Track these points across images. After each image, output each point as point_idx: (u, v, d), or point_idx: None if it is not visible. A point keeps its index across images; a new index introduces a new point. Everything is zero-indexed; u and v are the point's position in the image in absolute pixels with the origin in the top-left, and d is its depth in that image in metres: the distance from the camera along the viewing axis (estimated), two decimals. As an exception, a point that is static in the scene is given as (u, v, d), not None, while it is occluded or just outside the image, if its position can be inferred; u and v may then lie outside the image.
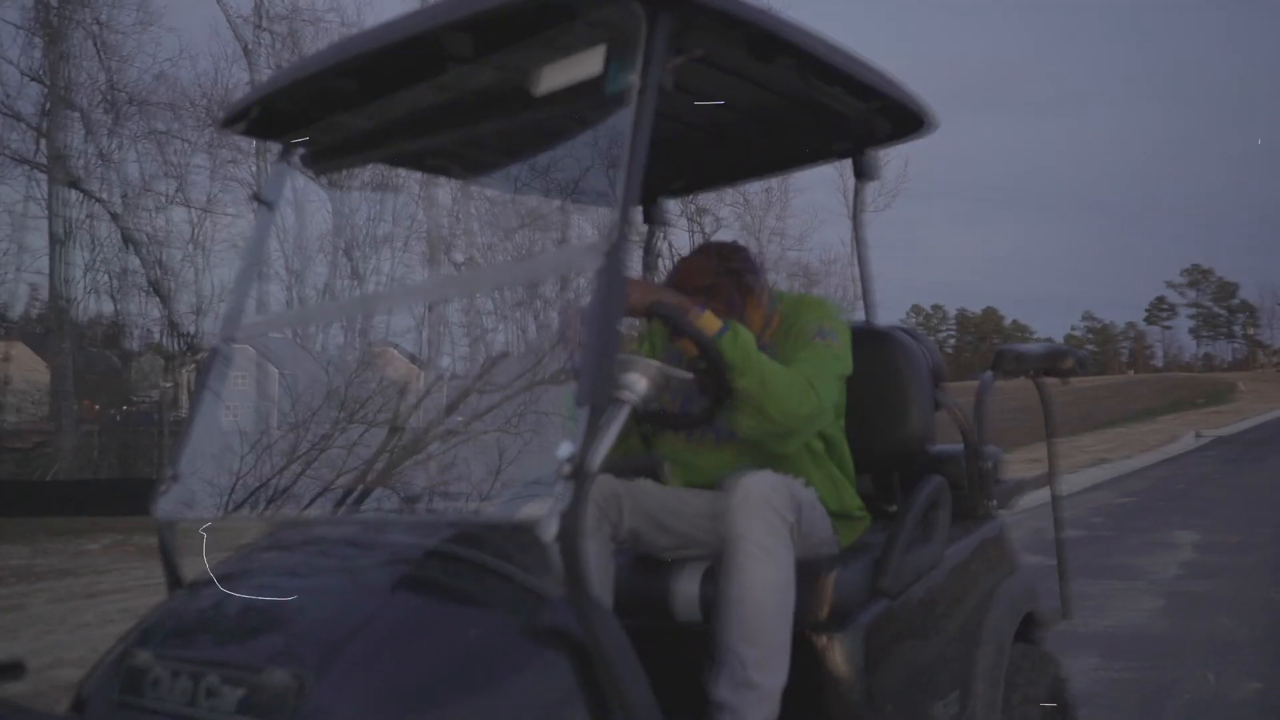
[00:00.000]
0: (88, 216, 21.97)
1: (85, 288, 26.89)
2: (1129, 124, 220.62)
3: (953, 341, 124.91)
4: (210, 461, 2.31)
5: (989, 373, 3.01)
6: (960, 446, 2.87)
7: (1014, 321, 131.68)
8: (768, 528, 2.08)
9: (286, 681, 1.45)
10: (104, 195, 22.15)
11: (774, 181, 30.25)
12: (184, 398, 22.99)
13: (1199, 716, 4.03)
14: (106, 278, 25.03)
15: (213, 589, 1.85)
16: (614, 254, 1.61)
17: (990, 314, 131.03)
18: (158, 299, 22.33)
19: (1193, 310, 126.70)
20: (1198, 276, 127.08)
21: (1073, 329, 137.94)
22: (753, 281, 2.53)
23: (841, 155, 2.80)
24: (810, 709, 2.12)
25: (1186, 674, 4.59)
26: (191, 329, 22.68)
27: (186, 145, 23.64)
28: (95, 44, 20.77)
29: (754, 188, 29.80)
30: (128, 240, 23.55)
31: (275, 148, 2.41)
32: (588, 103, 1.89)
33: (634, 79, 1.66)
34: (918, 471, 2.63)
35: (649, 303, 2.17)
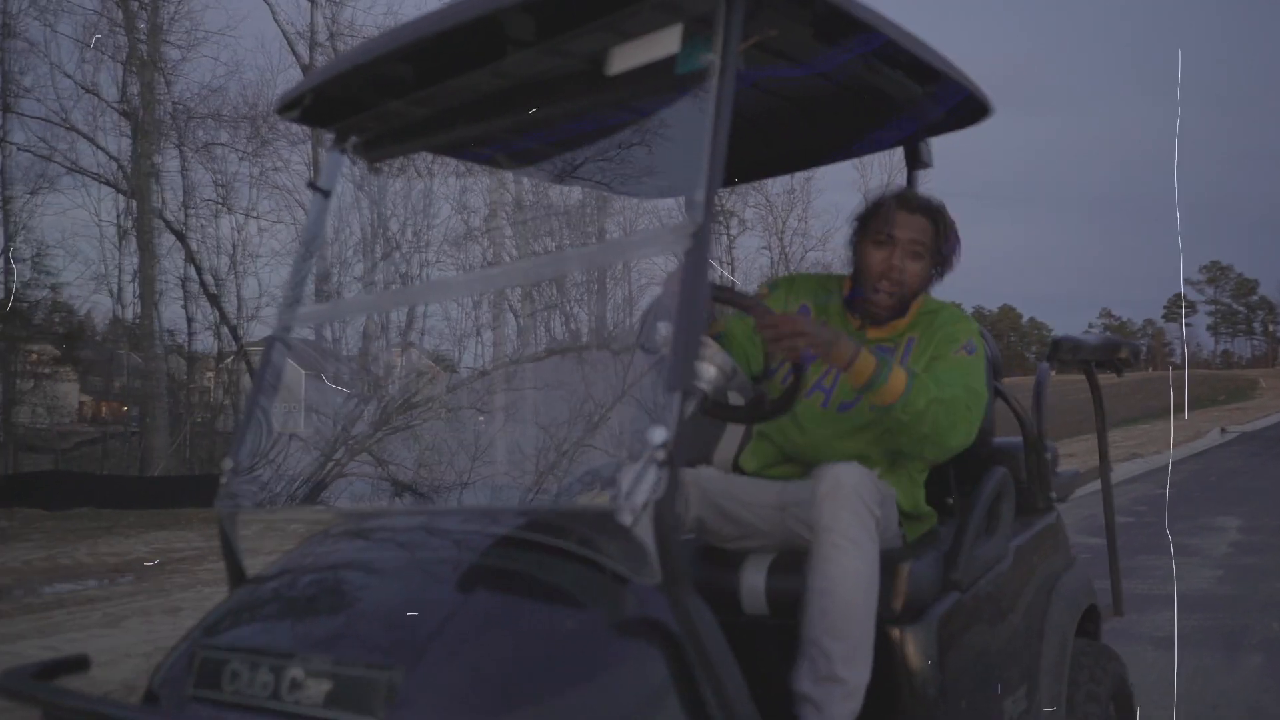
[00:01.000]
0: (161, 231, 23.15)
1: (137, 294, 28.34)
2: (1145, 120, 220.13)
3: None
4: (272, 454, 2.23)
5: (1045, 364, 3.03)
6: (1017, 440, 2.85)
7: (1031, 319, 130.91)
8: (856, 520, 2.02)
9: (377, 675, 1.41)
10: (162, 206, 23.37)
11: (796, 182, 31.10)
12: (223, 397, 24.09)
13: (1272, 649, 4.99)
14: (171, 285, 26.36)
15: (284, 580, 1.83)
16: (700, 235, 1.56)
17: (1007, 312, 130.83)
18: (214, 306, 23.36)
19: (1211, 307, 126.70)
20: (1216, 273, 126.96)
21: (1090, 326, 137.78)
22: (946, 266, 2.51)
23: (892, 144, 2.78)
24: (885, 703, 2.07)
25: (1254, 622, 5.57)
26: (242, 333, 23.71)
27: (240, 155, 24.87)
28: (160, 65, 21.95)
29: (776, 188, 30.58)
30: (189, 251, 24.83)
31: (329, 136, 2.32)
32: (661, 84, 1.84)
33: (713, 58, 1.62)
34: (977, 464, 2.58)
35: (840, 356, 2.10)
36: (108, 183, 22.56)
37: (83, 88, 22.92)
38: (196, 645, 1.68)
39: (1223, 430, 27.61)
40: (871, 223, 2.44)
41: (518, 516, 1.84)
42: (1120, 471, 17.03)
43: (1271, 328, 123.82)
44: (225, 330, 24.17)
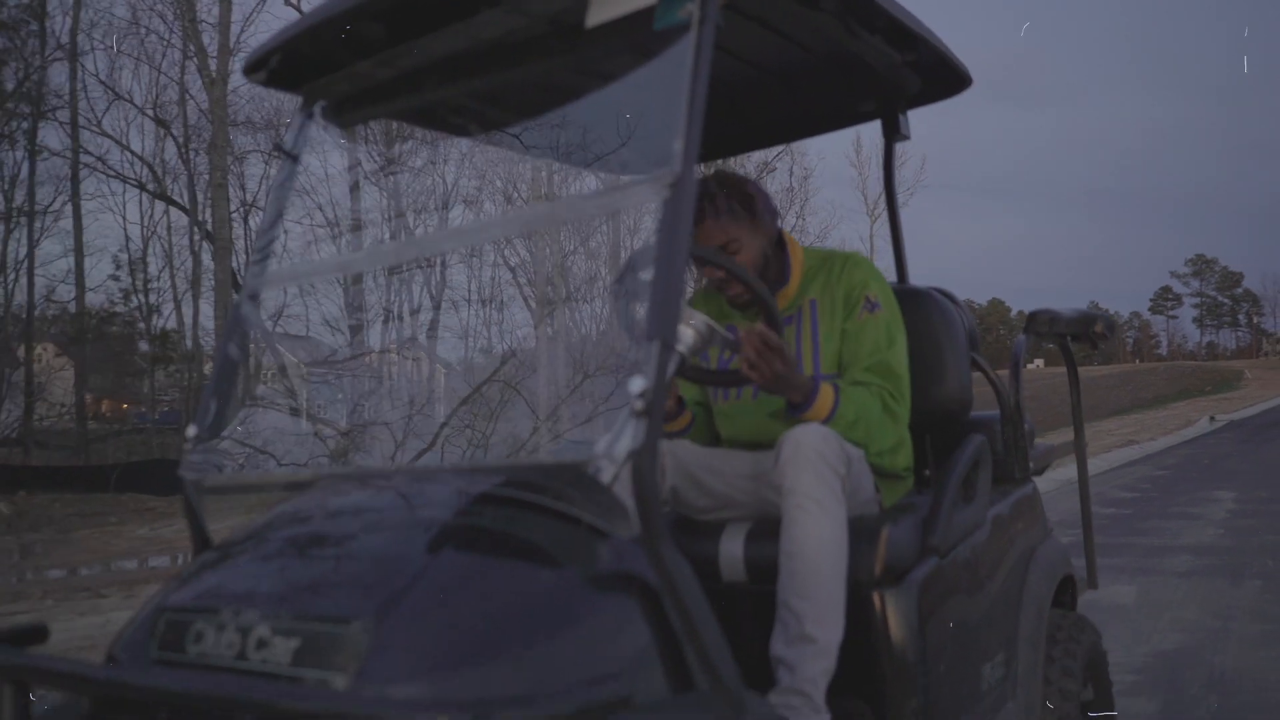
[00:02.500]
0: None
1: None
2: (1133, 113, 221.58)
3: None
4: (237, 420, 2.19)
5: (1023, 336, 3.00)
6: (994, 413, 2.85)
7: (1020, 312, 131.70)
8: (819, 480, 2.02)
9: (346, 630, 1.37)
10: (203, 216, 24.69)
11: (795, 181, 32.30)
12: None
13: (1267, 577, 6.44)
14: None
15: (251, 543, 1.79)
16: (680, 185, 1.51)
17: (996, 305, 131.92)
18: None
19: (1197, 300, 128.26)
20: (1202, 266, 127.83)
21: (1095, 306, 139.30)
22: (769, 221, 2.46)
23: (870, 117, 2.80)
24: (866, 667, 2.08)
25: (1252, 561, 6.99)
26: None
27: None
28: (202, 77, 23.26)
29: (773, 185, 31.79)
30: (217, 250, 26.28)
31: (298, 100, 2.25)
32: (638, 41, 1.79)
33: (692, 9, 1.59)
34: (955, 436, 2.58)
35: (771, 377, 2.11)
36: (156, 196, 24.00)
37: (137, 108, 24.32)
38: (159, 609, 1.64)
39: (1212, 419, 28.50)
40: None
41: (493, 473, 1.81)
42: (1119, 456, 18.36)
43: (1256, 320, 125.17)
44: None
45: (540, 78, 2.29)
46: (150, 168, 27.84)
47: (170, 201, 28.35)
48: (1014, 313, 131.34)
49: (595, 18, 1.75)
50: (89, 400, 39.81)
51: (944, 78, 2.55)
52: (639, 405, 1.39)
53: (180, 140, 26.02)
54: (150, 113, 27.16)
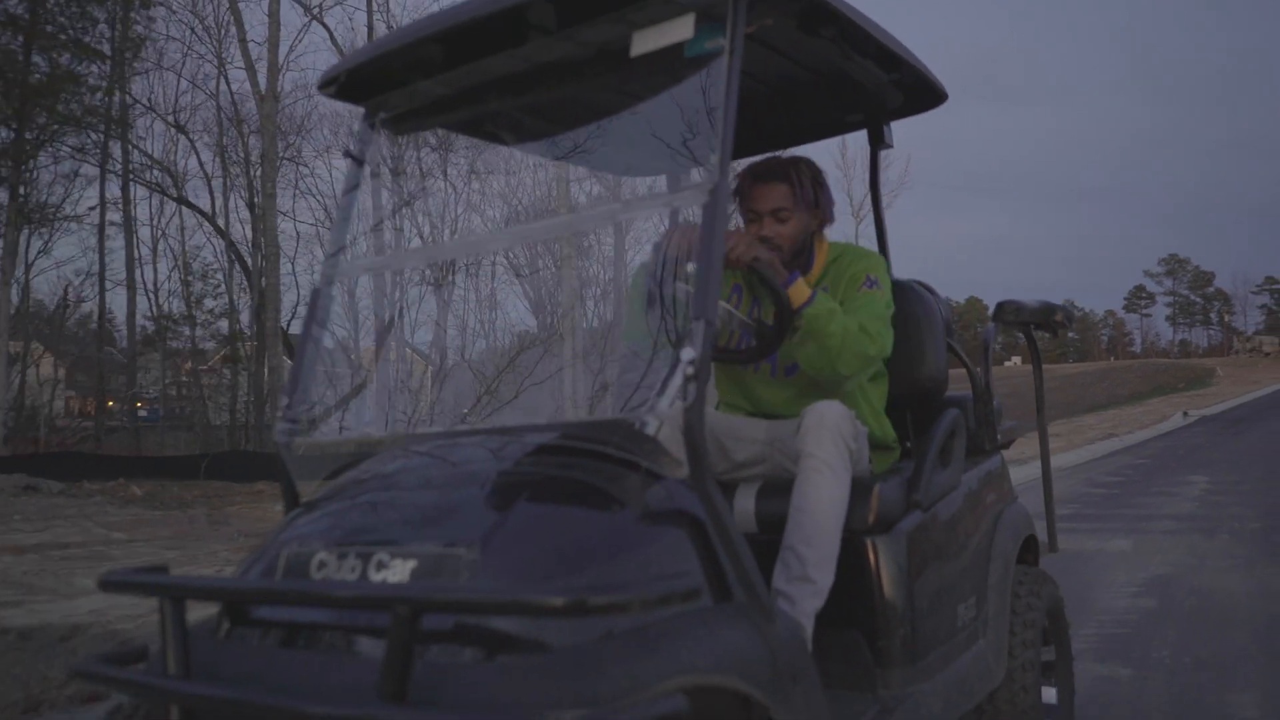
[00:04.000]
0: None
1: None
2: (1107, 114, 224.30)
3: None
4: (320, 390, 2.39)
5: (992, 324, 3.31)
6: (967, 393, 3.10)
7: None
8: (835, 449, 2.29)
9: (456, 553, 1.61)
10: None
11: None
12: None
13: (1234, 534, 8.18)
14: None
15: (348, 492, 2.02)
16: (717, 192, 1.81)
17: (974, 303, 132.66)
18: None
19: (1170, 298, 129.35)
20: (1174, 266, 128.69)
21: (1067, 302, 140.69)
22: (824, 213, 2.72)
23: (856, 127, 3.02)
24: (862, 604, 2.36)
25: (1222, 525, 8.72)
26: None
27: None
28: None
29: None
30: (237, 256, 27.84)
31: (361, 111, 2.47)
32: (670, 66, 2.04)
33: (722, 42, 1.87)
34: (932, 412, 2.85)
35: (750, 258, 2.37)
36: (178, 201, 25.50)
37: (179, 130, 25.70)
38: (277, 547, 1.84)
39: (1185, 414, 29.65)
40: (741, 202, 2.69)
41: (555, 430, 2.04)
42: (1101, 448, 19.79)
43: (1227, 318, 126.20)
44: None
45: (584, 95, 2.56)
46: (169, 172, 29.17)
47: (198, 210, 29.75)
48: (990, 310, 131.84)
49: (638, 49, 2.01)
50: (73, 399, 41.19)
51: (923, 94, 2.80)
52: (690, 371, 1.69)
53: (216, 150, 27.49)
54: (170, 119, 28.53)
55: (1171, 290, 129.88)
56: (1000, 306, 3.26)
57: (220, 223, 30.28)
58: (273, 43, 23.28)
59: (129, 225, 28.63)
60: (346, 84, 2.38)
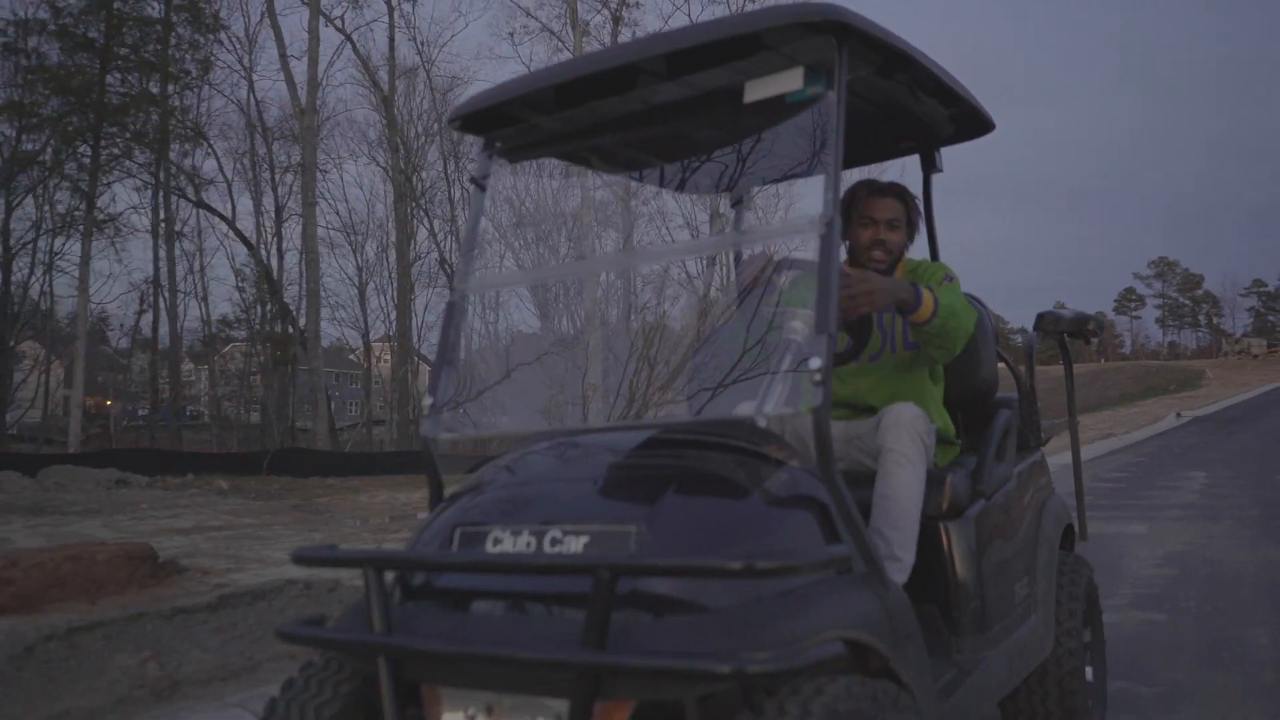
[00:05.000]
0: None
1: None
2: (1097, 116, 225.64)
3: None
4: (461, 390, 2.64)
5: (1033, 333, 3.58)
6: (1013, 395, 3.37)
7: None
8: (912, 444, 2.57)
9: (623, 529, 1.89)
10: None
11: (780, 186, 35.29)
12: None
13: (1235, 520, 9.34)
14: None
15: (504, 478, 2.29)
16: (832, 223, 2.08)
17: None
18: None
19: (1159, 301, 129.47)
20: (1164, 268, 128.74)
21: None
22: (914, 232, 3.06)
23: (909, 152, 3.31)
24: (936, 579, 2.63)
25: (1224, 512, 9.88)
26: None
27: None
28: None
29: (761, 194, 34.63)
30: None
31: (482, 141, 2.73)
32: (775, 110, 2.33)
33: (822, 90, 2.17)
34: (983, 413, 3.16)
35: (897, 300, 2.61)
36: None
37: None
38: (449, 526, 2.11)
39: (1178, 415, 30.54)
40: (852, 210, 2.98)
41: (689, 428, 2.33)
42: (1101, 446, 20.83)
43: (1215, 320, 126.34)
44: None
45: (689, 130, 2.79)
46: (190, 177, 30.18)
47: (220, 215, 30.73)
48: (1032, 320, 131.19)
49: (751, 96, 2.26)
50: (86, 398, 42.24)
51: (974, 123, 3.05)
52: (817, 377, 1.93)
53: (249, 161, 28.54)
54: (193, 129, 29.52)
55: (1161, 292, 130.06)
56: (1040, 317, 3.55)
57: (243, 227, 31.34)
58: (312, 58, 24.36)
59: (170, 233, 29.59)
60: (471, 119, 2.62)
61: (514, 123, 2.64)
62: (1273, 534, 8.39)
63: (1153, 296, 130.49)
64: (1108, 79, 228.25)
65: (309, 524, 10.46)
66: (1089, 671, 3.36)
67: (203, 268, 34.32)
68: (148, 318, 34.28)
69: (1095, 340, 3.89)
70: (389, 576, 2.05)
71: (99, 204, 25.25)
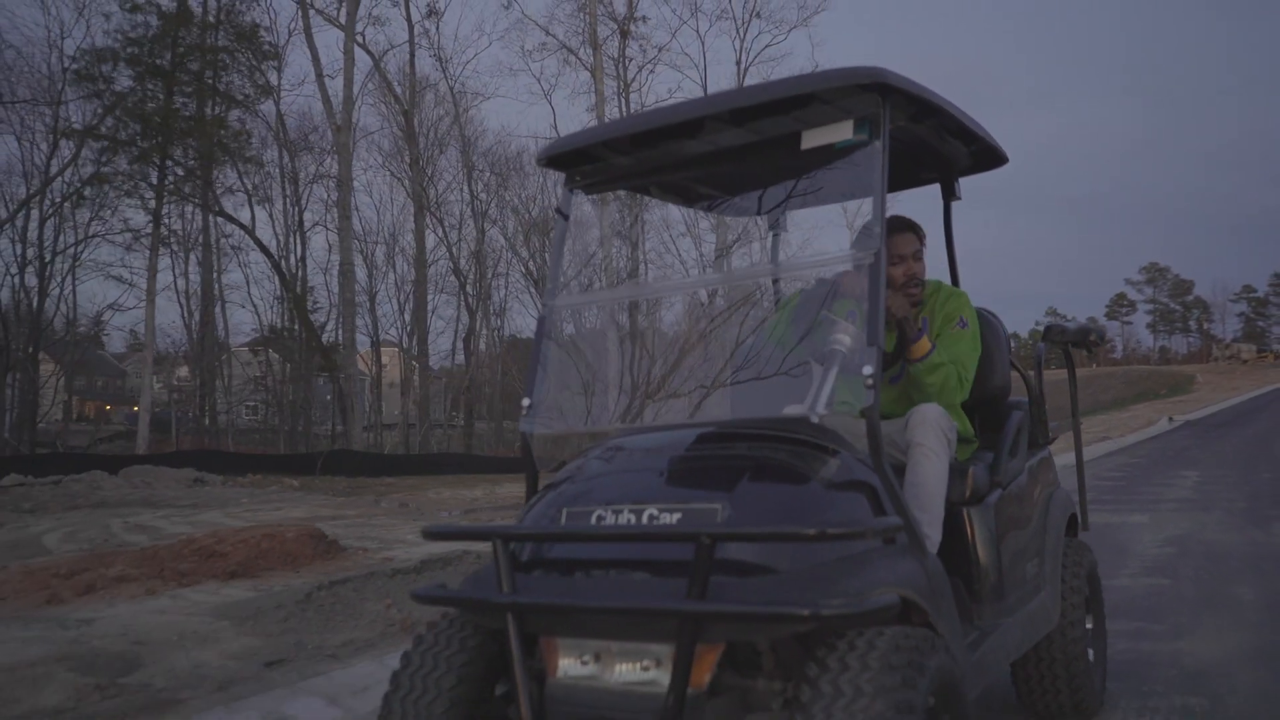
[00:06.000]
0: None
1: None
2: (1089, 124, 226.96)
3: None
4: (555, 390, 2.99)
5: (1042, 344, 4.00)
6: (1023, 399, 3.71)
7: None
8: (938, 439, 2.91)
9: (711, 506, 2.24)
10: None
11: (805, 215, 36.52)
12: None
13: (1229, 511, 10.58)
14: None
15: (597, 468, 2.62)
16: (879, 251, 2.44)
17: None
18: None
19: (1150, 306, 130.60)
20: (1155, 274, 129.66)
21: (1037, 324, 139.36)
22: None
23: (930, 182, 3.65)
24: (960, 556, 2.95)
25: (1216, 504, 11.13)
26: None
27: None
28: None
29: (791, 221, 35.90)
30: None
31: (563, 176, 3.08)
32: (825, 153, 2.71)
33: (866, 138, 2.56)
34: (997, 413, 3.49)
35: (903, 314, 3.05)
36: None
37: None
38: (555, 508, 2.45)
39: (1170, 419, 31.50)
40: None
41: (754, 424, 2.64)
42: (1099, 449, 21.81)
43: (1206, 326, 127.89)
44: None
45: (751, 167, 3.10)
46: (208, 189, 31.18)
47: (241, 225, 31.73)
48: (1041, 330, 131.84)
49: (807, 144, 2.67)
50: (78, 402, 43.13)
51: (990, 158, 3.40)
52: (869, 382, 2.30)
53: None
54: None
55: (1152, 298, 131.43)
56: (1048, 329, 3.98)
57: (261, 236, 32.29)
58: (347, 78, 25.53)
59: (206, 245, 30.71)
60: (557, 159, 3.00)
61: (593, 161, 3.00)
62: (1258, 520, 9.63)
63: (1144, 302, 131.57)
64: (1102, 88, 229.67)
65: (406, 514, 11.64)
66: (1090, 653, 3.70)
67: (248, 280, 35.40)
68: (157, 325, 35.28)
69: (1096, 349, 4.21)
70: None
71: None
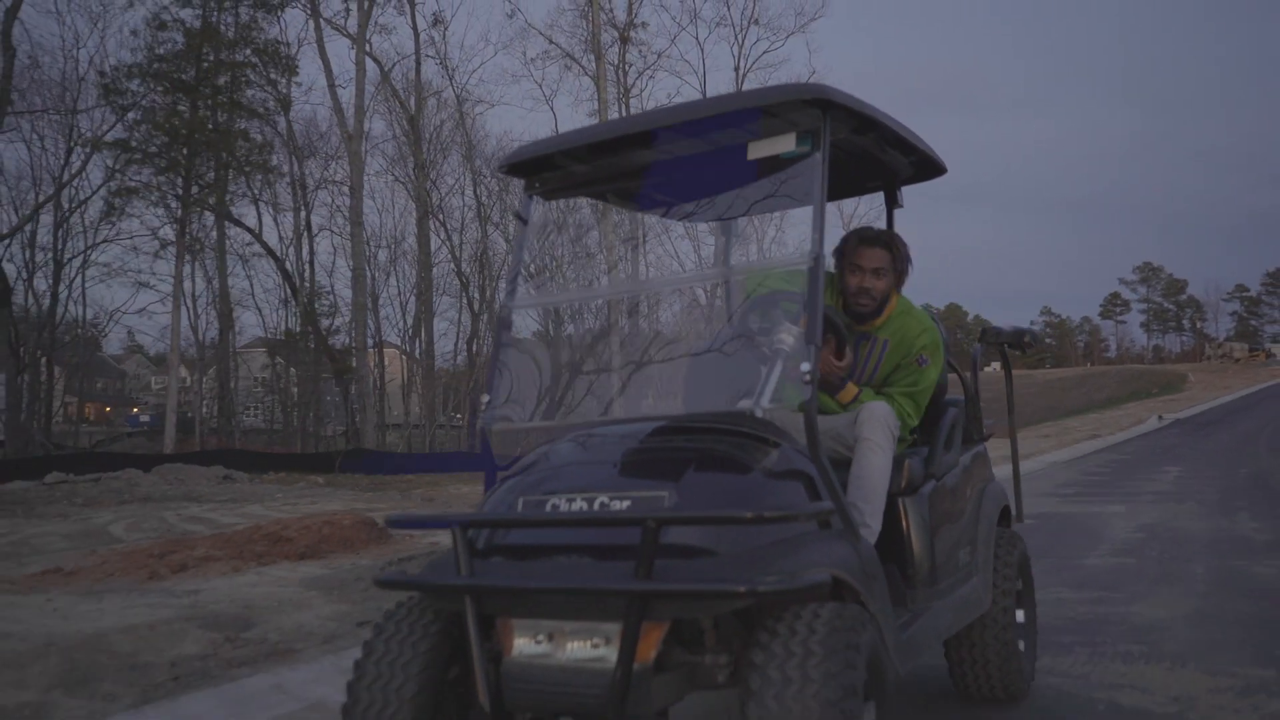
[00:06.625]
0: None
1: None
2: (1085, 125, 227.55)
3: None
4: (512, 388, 3.07)
5: (978, 345, 4.15)
6: (961, 397, 3.87)
7: (976, 316, 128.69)
8: (883, 434, 3.06)
9: (659, 494, 2.35)
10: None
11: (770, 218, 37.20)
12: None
13: (1200, 502, 11.38)
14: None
15: (551, 460, 2.71)
16: (819, 258, 2.54)
17: (954, 309, 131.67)
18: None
19: (1144, 305, 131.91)
20: (1149, 273, 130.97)
21: (1032, 323, 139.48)
22: (904, 276, 3.49)
23: (874, 190, 3.81)
24: (897, 544, 3.10)
25: (1190, 497, 11.93)
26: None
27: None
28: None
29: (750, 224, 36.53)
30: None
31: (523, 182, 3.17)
32: (776, 163, 2.84)
33: (816, 153, 2.66)
34: (935, 412, 3.62)
35: (826, 372, 3.18)
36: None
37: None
38: (511, 497, 2.56)
39: (1160, 418, 32.40)
40: (845, 256, 3.45)
41: (700, 418, 2.76)
42: (1088, 446, 22.82)
43: (1199, 325, 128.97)
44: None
45: (699, 174, 3.21)
46: (225, 194, 31.95)
47: (249, 230, 32.44)
48: (970, 317, 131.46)
49: (753, 155, 2.82)
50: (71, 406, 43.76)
51: (929, 168, 3.59)
52: (807, 378, 2.45)
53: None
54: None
55: (1146, 297, 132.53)
56: (984, 331, 4.16)
57: (277, 242, 33.02)
58: (359, 87, 26.28)
59: (221, 250, 31.43)
60: (518, 166, 3.11)
61: (553, 169, 3.13)
62: (1225, 511, 10.44)
63: (1138, 301, 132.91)
64: (1096, 90, 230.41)
65: (433, 507, 12.43)
66: (1020, 613, 3.90)
67: (252, 283, 36.02)
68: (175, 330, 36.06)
69: (1030, 349, 4.32)
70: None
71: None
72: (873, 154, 3.32)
